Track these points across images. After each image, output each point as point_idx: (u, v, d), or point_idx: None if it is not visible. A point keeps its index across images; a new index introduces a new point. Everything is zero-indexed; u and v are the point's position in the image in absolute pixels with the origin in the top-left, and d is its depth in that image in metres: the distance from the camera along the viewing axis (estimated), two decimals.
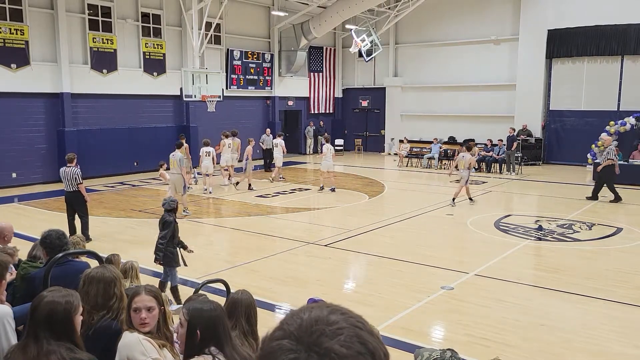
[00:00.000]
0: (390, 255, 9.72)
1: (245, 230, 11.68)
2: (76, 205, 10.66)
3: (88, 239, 10.57)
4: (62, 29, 17.43)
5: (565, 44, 22.17)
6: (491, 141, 21.61)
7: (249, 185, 16.71)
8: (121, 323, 3.35)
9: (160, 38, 20.62)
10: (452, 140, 24.62)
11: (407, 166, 23.02)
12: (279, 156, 18.49)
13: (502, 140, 21.27)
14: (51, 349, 2.63)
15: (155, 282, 7.16)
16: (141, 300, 3.12)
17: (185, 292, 6.89)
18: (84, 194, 10.56)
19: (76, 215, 10.73)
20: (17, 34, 16.63)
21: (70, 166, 10.57)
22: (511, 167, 20.33)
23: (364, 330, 0.91)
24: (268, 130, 21.53)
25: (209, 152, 16.24)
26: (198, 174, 17.69)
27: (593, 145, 20.81)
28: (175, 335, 3.09)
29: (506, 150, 20.59)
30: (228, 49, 23.13)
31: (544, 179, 19.13)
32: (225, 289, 5.64)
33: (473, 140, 22.60)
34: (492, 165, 21.06)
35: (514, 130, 21.29)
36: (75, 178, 10.49)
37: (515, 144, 20.49)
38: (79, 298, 2.88)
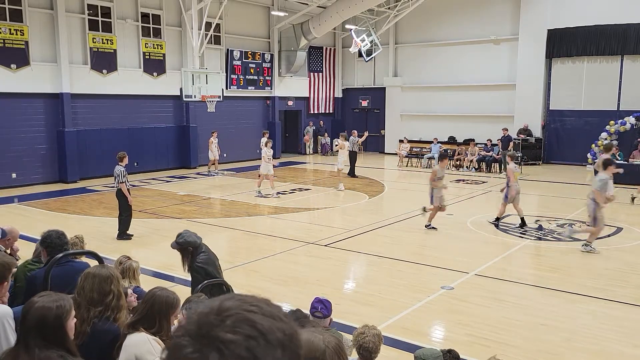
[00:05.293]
0: (390, 255, 9.72)
1: (245, 230, 11.68)
2: (119, 202, 10.91)
3: (123, 236, 10.68)
4: (62, 29, 17.43)
5: (565, 43, 22.18)
6: (491, 141, 21.63)
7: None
8: (120, 324, 3.35)
9: (160, 38, 20.62)
10: (452, 140, 24.63)
11: (407, 166, 23.02)
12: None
13: (500, 140, 21.29)
14: (43, 357, 2.56)
15: (155, 282, 7.16)
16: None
17: (186, 292, 6.87)
18: (124, 193, 10.71)
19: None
20: (17, 34, 16.63)
21: (119, 165, 10.71)
22: (503, 166, 20.40)
23: (259, 313, 0.88)
24: (355, 132, 20.65)
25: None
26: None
27: (593, 145, 20.82)
28: None
29: (501, 150, 20.60)
30: (228, 49, 23.13)
31: (544, 179, 19.12)
32: (225, 289, 5.64)
33: (473, 139, 22.73)
34: (492, 165, 21.07)
35: (507, 130, 21.27)
36: (117, 176, 10.69)
37: (511, 144, 20.50)
38: (71, 302, 2.84)
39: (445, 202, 11.67)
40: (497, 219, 12.07)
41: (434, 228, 11.50)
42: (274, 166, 17.48)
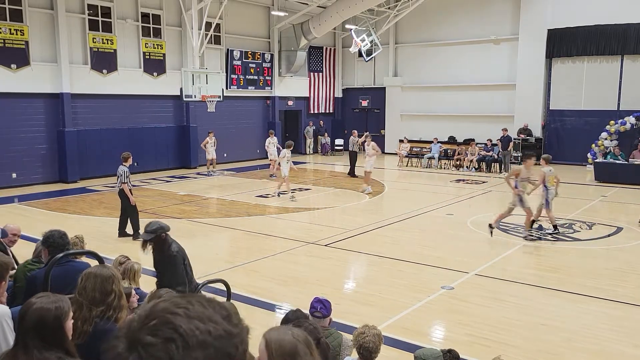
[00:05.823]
0: (391, 255, 9.72)
1: (245, 230, 11.68)
2: (121, 201, 10.83)
3: (138, 236, 10.57)
4: (62, 29, 17.43)
5: (565, 43, 22.18)
6: (491, 141, 21.62)
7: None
8: (121, 323, 3.35)
9: (160, 38, 20.62)
10: (452, 140, 24.63)
11: (407, 166, 23.02)
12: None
13: (500, 140, 21.28)
14: (41, 358, 2.53)
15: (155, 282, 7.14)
16: None
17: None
18: (127, 194, 10.61)
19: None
20: (17, 34, 16.63)
21: (123, 165, 10.66)
22: (503, 167, 20.36)
23: (184, 315, 0.88)
24: (355, 132, 20.29)
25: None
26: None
27: (593, 145, 20.83)
28: None
29: (501, 150, 20.57)
30: (228, 49, 23.13)
31: None
32: (225, 289, 5.64)
33: (473, 139, 22.73)
34: (492, 165, 21.07)
35: (507, 130, 21.26)
36: (120, 176, 10.64)
37: (511, 144, 20.46)
38: (69, 303, 2.83)
39: (528, 204, 10.60)
40: (555, 227, 11.07)
41: (491, 228, 10.62)
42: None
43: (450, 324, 6.83)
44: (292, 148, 15.61)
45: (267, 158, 20.50)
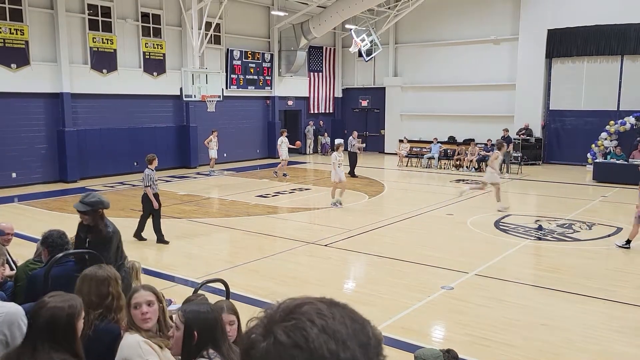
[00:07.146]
0: (391, 255, 9.72)
1: (245, 230, 11.68)
2: (142, 205, 10.61)
3: (161, 240, 10.45)
4: (62, 29, 17.42)
5: (565, 43, 22.18)
6: (491, 141, 21.60)
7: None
8: (121, 323, 3.35)
9: (160, 38, 20.62)
10: (452, 140, 24.63)
11: (407, 166, 23.02)
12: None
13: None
14: (48, 359, 2.51)
15: (156, 282, 7.15)
16: (140, 296, 3.12)
17: (185, 292, 6.87)
18: (150, 198, 10.38)
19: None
20: (17, 34, 16.62)
21: (148, 167, 10.58)
22: (504, 167, 20.31)
23: (320, 328, 0.87)
24: (355, 132, 20.29)
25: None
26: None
27: (593, 145, 20.83)
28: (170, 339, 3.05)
29: None
30: (228, 49, 23.13)
31: (544, 179, 19.12)
32: (224, 289, 5.63)
33: (473, 139, 22.73)
34: None
35: (508, 131, 21.23)
36: (143, 179, 10.56)
37: (511, 146, 20.46)
38: (82, 302, 2.83)
39: None
40: (628, 242, 10.03)
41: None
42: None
43: (450, 324, 6.83)
44: (341, 150, 14.21)
45: (276, 157, 20.46)
